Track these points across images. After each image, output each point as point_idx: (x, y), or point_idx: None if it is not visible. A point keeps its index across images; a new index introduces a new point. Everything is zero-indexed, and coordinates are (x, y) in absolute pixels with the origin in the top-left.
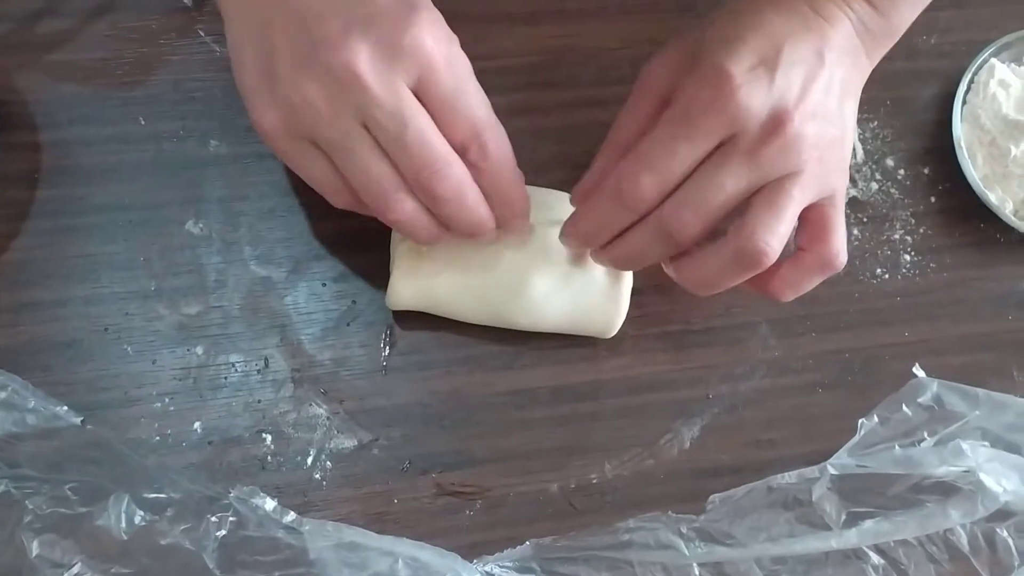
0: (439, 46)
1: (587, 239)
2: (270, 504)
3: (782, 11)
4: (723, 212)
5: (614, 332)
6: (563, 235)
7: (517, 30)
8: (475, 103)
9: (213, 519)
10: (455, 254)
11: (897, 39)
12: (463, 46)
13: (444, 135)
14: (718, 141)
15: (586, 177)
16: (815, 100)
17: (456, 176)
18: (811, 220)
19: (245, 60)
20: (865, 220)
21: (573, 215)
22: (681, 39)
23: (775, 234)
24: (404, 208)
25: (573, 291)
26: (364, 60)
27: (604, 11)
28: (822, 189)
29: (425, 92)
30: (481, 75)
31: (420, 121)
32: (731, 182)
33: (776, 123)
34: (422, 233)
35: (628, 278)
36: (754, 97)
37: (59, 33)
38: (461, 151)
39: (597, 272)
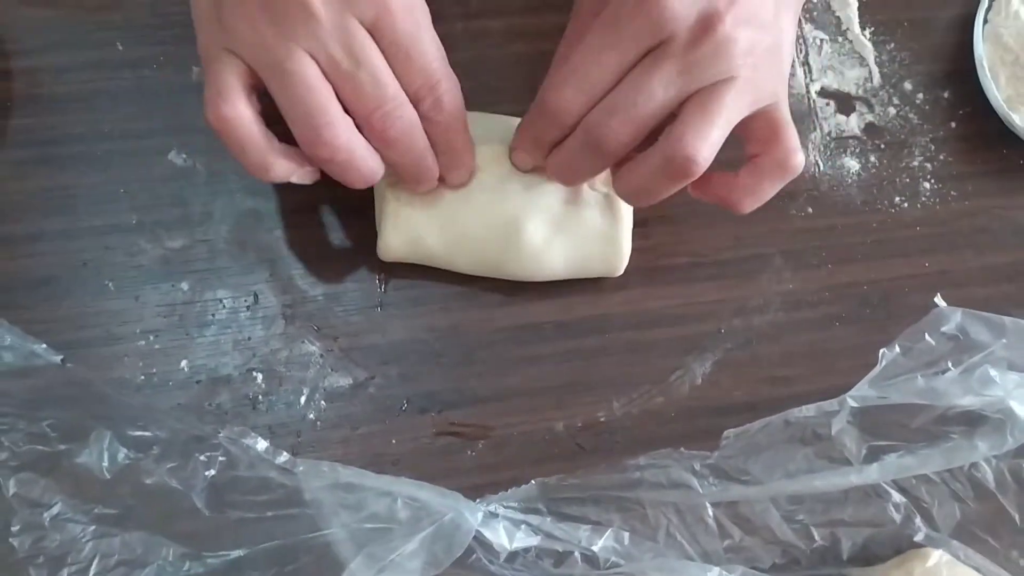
0: None
1: (529, 154)
2: (262, 444)
3: None
4: (653, 121)
5: (619, 274)
6: (511, 152)
7: None
8: (431, 52)
9: (202, 458)
10: (444, 206)
11: None
12: None
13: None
14: (646, 48)
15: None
16: (746, 6)
17: (408, 119)
18: (757, 127)
19: None
20: (883, 147)
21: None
22: None
23: (706, 140)
24: (340, 136)
25: (570, 236)
26: None
27: None
28: (759, 97)
29: (380, 35)
30: None
31: (375, 61)
32: (659, 89)
33: (705, 26)
34: (362, 168)
35: (628, 217)
36: (682, 3)
37: None
38: (414, 100)
39: (593, 213)
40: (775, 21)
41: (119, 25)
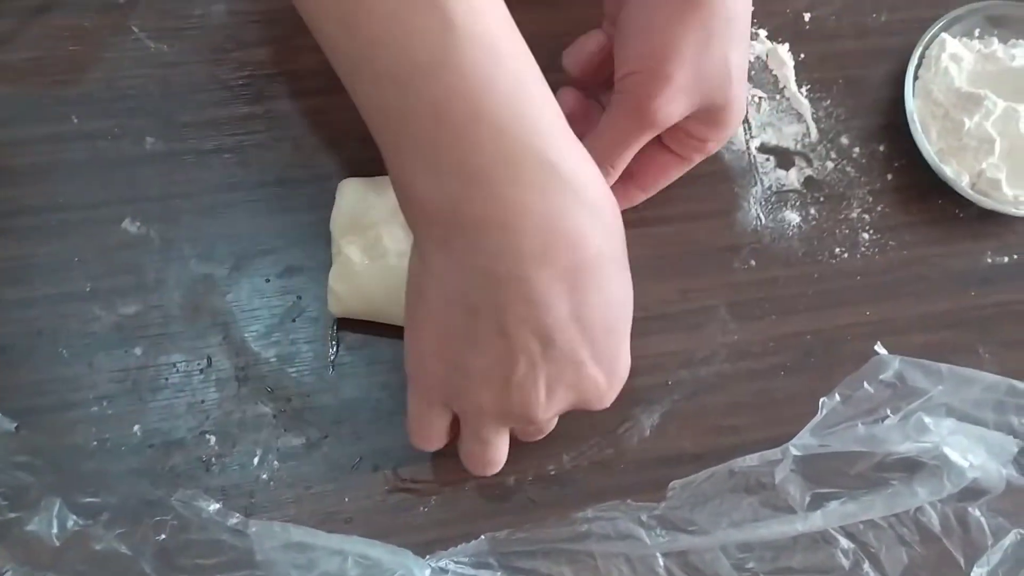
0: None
1: None
2: (214, 506)
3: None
4: None
5: None
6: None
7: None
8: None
9: (152, 522)
10: (392, 262)
11: None
12: None
13: None
14: None
15: None
16: None
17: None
18: None
19: (430, 314)
20: (822, 199)
21: None
22: (681, 75)
23: None
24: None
25: None
26: (550, 413)
27: None
28: None
29: None
30: None
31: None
32: None
33: None
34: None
35: None
36: None
37: None
38: None
39: None
40: None
41: (74, 99)
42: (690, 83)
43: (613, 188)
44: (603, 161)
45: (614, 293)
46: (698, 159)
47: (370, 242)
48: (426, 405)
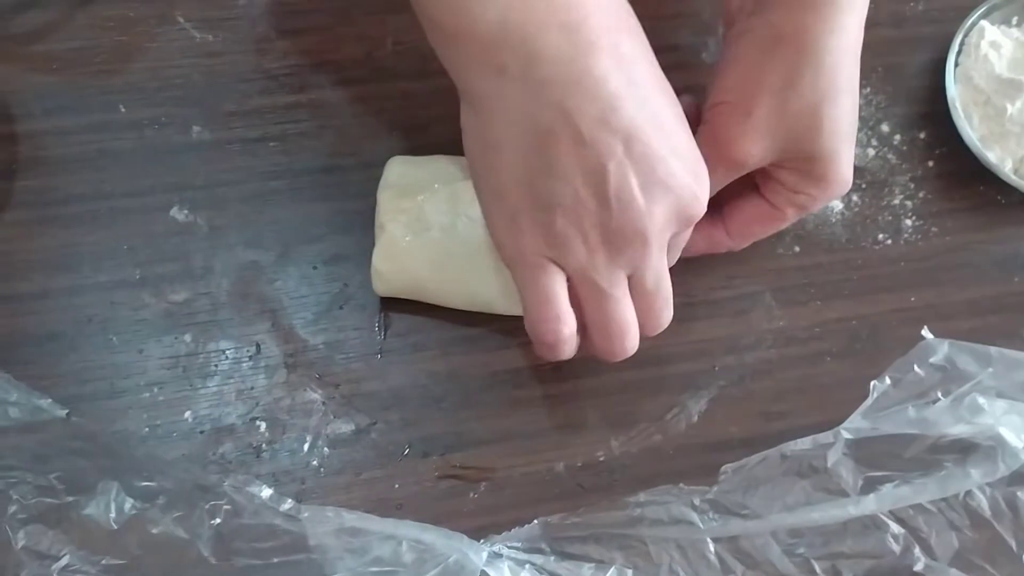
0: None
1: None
2: (266, 492)
3: (853, 60)
4: None
5: None
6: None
7: None
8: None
9: (207, 507)
10: (434, 241)
11: None
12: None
13: None
14: None
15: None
16: None
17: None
18: None
19: (504, 162)
20: (863, 186)
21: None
22: (759, 110)
23: None
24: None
25: None
26: (657, 227)
27: None
28: None
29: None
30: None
31: (666, 284)
32: None
33: None
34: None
35: None
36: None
37: (39, 25)
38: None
39: None
40: None
41: (122, 88)
42: (772, 123)
43: (699, 228)
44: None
45: (665, 85)
46: (792, 216)
47: (413, 217)
48: (532, 273)
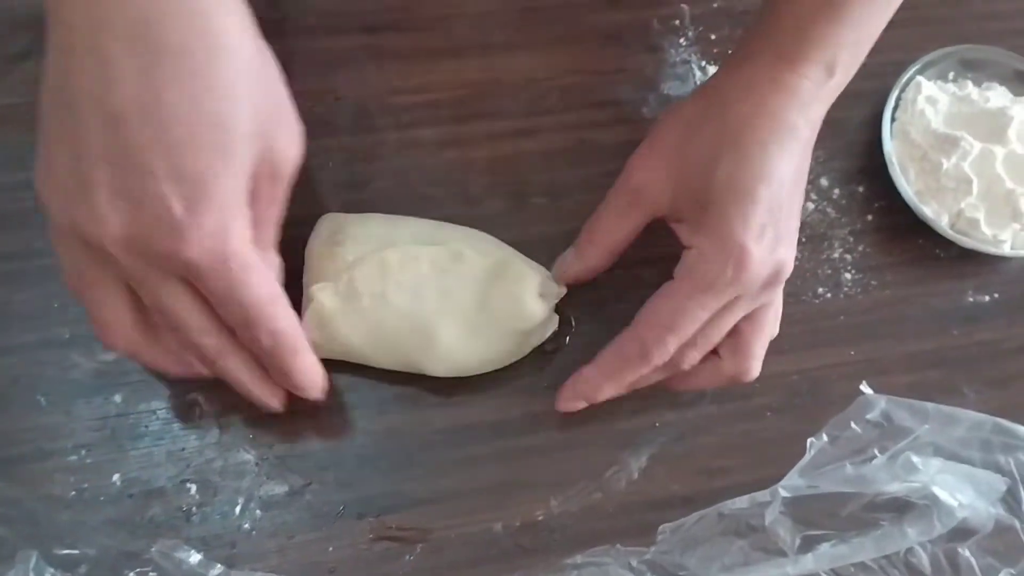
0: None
1: (597, 393)
2: (195, 557)
3: (769, 123)
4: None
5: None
6: (565, 401)
7: (443, 65)
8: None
9: (132, 575)
10: (365, 306)
11: None
12: (392, 82)
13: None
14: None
15: (573, 263)
16: (792, 243)
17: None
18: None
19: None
20: (803, 240)
21: (576, 386)
22: (665, 144)
23: (763, 355)
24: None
25: (483, 335)
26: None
27: (530, 43)
28: None
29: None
30: (410, 109)
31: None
32: (731, 322)
33: (776, 276)
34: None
35: (548, 321)
36: (766, 266)
37: None
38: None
39: (505, 315)
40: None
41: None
42: (671, 158)
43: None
44: (592, 226)
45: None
46: (688, 291)
47: (343, 286)
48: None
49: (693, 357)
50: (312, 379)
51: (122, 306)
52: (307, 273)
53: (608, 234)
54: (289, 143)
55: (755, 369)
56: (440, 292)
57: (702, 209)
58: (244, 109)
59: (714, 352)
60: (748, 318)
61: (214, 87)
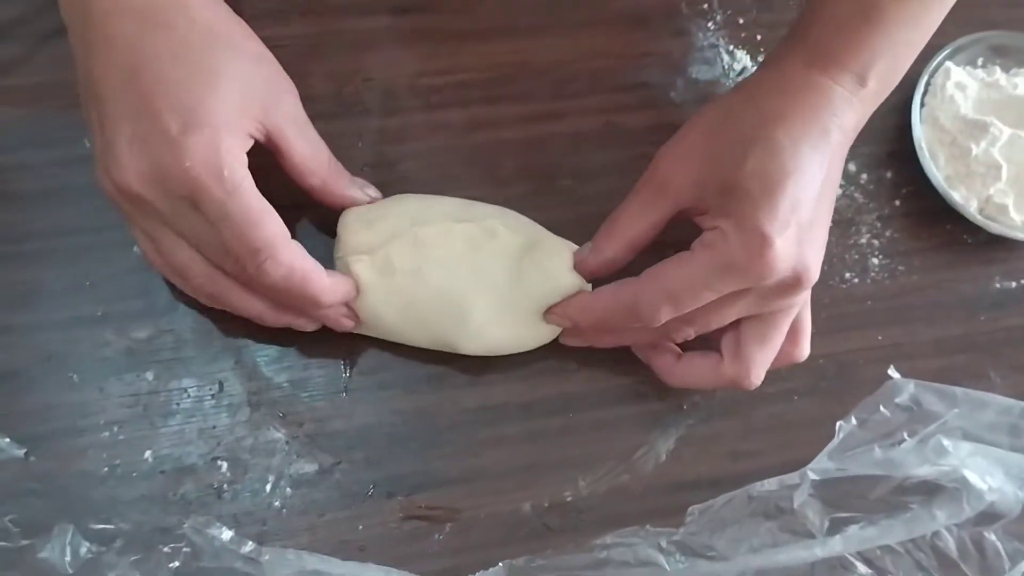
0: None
1: (584, 335)
2: (227, 534)
3: (803, 122)
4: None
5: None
6: (553, 314)
7: (470, 47)
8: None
9: (165, 550)
10: (399, 282)
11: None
12: (420, 64)
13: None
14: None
15: (589, 255)
16: (823, 241)
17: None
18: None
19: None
20: (831, 225)
21: (568, 305)
22: (694, 135)
23: (765, 367)
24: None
25: (514, 314)
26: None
27: (557, 26)
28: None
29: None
30: (438, 91)
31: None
32: (735, 313)
33: (796, 280)
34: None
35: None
36: (786, 261)
37: (2, 60)
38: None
39: (538, 291)
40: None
41: (84, 124)
42: (701, 148)
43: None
44: (613, 219)
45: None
46: (703, 262)
47: (379, 262)
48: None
49: (686, 333)
50: (332, 294)
51: (189, 248)
52: (339, 246)
53: (629, 227)
54: (280, 88)
55: (755, 378)
56: (473, 269)
57: (728, 194)
58: (227, 53)
59: (718, 352)
60: (755, 322)
61: (201, 44)
